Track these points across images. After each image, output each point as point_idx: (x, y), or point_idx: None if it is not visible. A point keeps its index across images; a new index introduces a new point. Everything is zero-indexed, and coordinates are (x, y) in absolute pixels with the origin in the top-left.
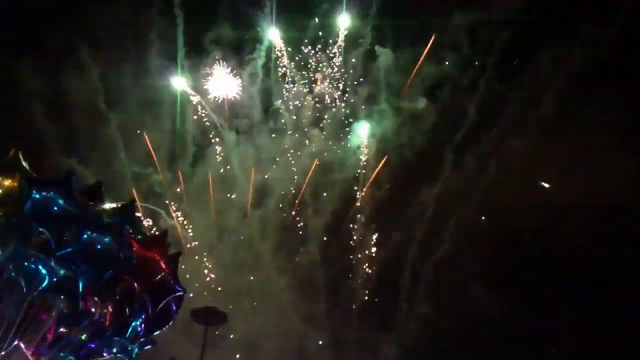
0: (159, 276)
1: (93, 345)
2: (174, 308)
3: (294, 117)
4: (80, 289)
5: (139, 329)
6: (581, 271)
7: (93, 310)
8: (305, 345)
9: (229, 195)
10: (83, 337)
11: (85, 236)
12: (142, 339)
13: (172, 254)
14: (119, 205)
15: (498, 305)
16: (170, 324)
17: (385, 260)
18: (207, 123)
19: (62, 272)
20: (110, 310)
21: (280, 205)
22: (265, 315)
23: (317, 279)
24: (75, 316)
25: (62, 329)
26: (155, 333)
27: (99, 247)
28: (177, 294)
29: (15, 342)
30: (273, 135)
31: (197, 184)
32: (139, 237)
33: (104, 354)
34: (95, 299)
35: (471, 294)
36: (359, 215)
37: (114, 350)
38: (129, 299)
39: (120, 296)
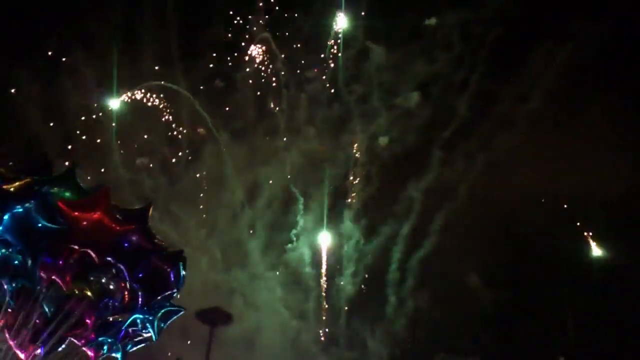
0: (119, 237)
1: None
2: (172, 273)
3: (287, 117)
4: (31, 269)
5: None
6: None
7: (112, 287)
8: (300, 341)
9: (222, 194)
10: (120, 319)
11: (19, 210)
12: (165, 309)
13: (138, 209)
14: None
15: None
16: (175, 290)
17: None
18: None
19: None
20: (124, 286)
21: (272, 203)
22: (260, 313)
23: (309, 275)
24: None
25: (102, 315)
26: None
27: (34, 221)
28: (161, 252)
29: (68, 339)
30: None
31: (191, 184)
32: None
33: (142, 333)
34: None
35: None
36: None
37: (139, 327)
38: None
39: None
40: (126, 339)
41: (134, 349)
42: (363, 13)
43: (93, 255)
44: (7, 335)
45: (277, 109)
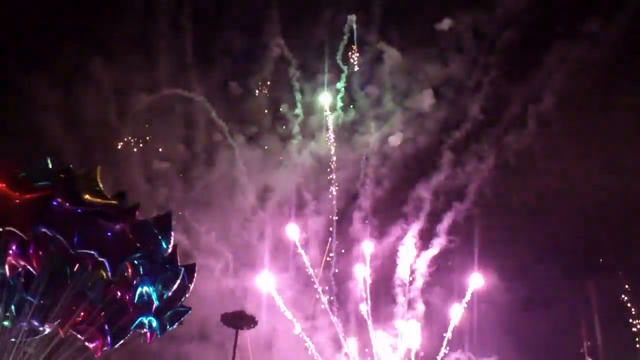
0: (38, 206)
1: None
2: (129, 230)
3: (301, 122)
4: None
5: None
6: None
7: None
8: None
9: (235, 199)
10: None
11: None
12: (164, 275)
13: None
14: None
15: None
16: (150, 249)
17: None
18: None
19: None
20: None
21: (284, 205)
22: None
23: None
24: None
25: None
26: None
27: None
28: (106, 212)
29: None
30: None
31: (205, 190)
32: None
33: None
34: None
35: None
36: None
37: (145, 297)
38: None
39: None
40: (158, 313)
41: (174, 326)
42: (376, 16)
43: (17, 232)
44: (74, 332)
45: (291, 113)
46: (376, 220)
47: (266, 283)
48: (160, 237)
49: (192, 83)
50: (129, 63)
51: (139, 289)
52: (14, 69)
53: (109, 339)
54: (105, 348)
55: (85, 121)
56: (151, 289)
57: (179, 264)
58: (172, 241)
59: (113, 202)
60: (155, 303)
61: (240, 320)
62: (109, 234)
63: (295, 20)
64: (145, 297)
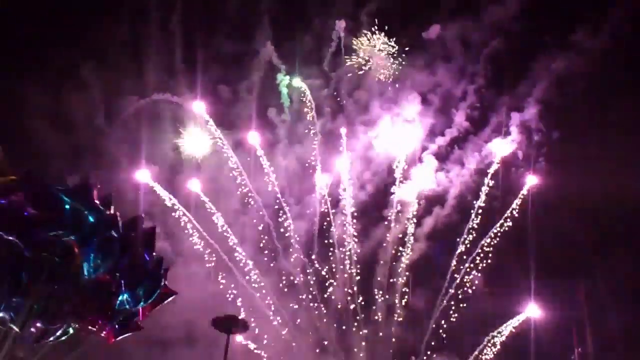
0: None
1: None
2: (33, 200)
3: (288, 127)
4: None
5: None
6: None
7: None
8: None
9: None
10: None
11: None
12: (99, 240)
13: None
14: None
15: None
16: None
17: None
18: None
19: None
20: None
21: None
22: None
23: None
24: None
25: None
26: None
27: None
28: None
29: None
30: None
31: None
32: None
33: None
34: None
35: None
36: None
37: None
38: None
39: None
40: (129, 287)
41: (153, 299)
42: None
43: None
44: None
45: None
46: (359, 224)
47: (144, 176)
48: (82, 207)
49: (182, 87)
50: (119, 67)
51: (84, 265)
52: (4, 72)
53: (116, 325)
54: (118, 336)
55: (75, 125)
56: (92, 263)
57: (118, 232)
58: (100, 210)
59: (10, 177)
60: (91, 275)
61: (232, 324)
62: (8, 210)
63: (285, 27)
64: (92, 271)
